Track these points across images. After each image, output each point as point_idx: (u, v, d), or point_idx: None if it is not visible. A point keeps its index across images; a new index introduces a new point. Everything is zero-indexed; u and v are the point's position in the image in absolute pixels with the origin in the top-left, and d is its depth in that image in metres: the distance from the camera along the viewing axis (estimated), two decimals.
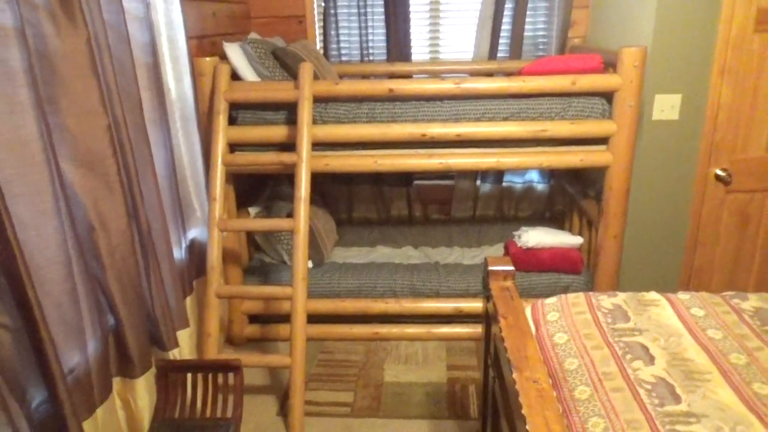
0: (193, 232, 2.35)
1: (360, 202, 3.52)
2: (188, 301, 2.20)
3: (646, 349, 1.38)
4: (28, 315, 1.24)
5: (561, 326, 1.51)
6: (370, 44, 3.23)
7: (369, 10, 3.16)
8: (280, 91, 2.34)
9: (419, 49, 3.30)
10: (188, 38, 2.18)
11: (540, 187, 3.46)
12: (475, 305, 2.61)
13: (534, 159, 2.40)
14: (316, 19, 3.25)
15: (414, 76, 3.25)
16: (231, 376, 1.92)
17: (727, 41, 2.27)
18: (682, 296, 1.64)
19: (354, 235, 3.26)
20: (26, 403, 1.30)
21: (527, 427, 1.03)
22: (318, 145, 2.40)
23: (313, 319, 2.63)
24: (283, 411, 2.26)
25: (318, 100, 2.36)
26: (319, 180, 3.35)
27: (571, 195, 3.01)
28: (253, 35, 2.72)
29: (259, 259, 2.89)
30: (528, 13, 3.10)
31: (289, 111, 2.41)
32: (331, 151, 2.44)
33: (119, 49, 1.69)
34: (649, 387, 1.24)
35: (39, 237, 1.35)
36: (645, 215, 2.51)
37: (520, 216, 3.50)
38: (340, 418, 2.21)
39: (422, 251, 3.06)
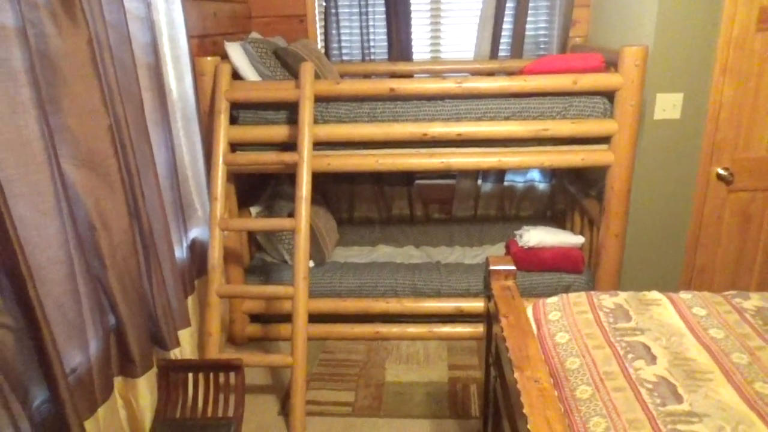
0: (195, 232, 2.35)
1: (361, 202, 3.52)
2: (189, 300, 2.20)
3: (647, 348, 1.38)
4: (29, 315, 1.24)
5: (562, 326, 1.51)
6: (372, 43, 3.23)
7: (370, 9, 3.15)
8: (281, 90, 2.34)
9: (420, 49, 3.30)
10: (189, 38, 2.17)
11: (541, 186, 3.46)
12: (477, 305, 2.61)
13: (535, 158, 2.40)
14: (317, 18, 3.24)
15: (415, 75, 3.24)
16: (232, 375, 1.92)
17: (728, 40, 2.26)
18: (684, 296, 1.63)
19: (355, 235, 3.26)
20: (28, 402, 1.30)
21: (529, 426, 1.03)
22: (319, 145, 2.40)
23: (315, 318, 2.64)
24: (285, 410, 2.26)
25: (319, 99, 2.37)
26: (320, 179, 3.36)
27: (572, 194, 3.01)
28: (254, 35, 2.72)
29: (261, 259, 2.89)
30: (529, 12, 3.10)
31: (290, 110, 2.41)
32: (333, 151, 2.44)
33: (120, 48, 1.69)
34: (650, 386, 1.24)
35: (40, 237, 1.35)
36: (646, 214, 2.50)
37: (522, 215, 3.50)
38: (342, 417, 2.22)
39: (423, 251, 3.06)
